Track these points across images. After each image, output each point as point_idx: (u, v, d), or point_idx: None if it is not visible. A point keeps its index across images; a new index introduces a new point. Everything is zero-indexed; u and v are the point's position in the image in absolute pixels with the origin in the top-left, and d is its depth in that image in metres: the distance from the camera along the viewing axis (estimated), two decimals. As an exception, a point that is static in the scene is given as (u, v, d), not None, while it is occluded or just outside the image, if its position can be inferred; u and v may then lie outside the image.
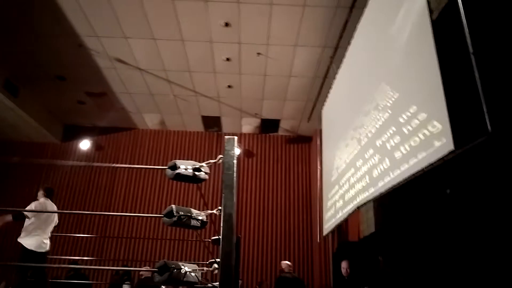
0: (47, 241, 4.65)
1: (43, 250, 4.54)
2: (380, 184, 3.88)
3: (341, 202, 5.49)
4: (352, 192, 4.90)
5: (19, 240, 4.51)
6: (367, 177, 4.35)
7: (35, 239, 4.49)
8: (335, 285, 5.16)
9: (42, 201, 4.76)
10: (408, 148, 3.27)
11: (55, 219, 4.86)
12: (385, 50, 4.26)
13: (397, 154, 3.50)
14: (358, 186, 4.64)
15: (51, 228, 4.75)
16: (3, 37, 6.52)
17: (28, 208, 4.63)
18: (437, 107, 2.86)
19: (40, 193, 4.84)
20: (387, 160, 3.76)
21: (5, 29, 6.31)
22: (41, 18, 6.04)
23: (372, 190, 4.13)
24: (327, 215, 6.59)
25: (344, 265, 4.83)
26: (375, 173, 4.07)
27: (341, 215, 5.43)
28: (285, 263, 6.18)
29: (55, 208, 5.05)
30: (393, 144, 3.61)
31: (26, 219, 4.51)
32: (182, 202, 9.22)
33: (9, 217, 4.46)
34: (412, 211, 4.43)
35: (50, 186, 5.10)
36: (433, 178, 3.59)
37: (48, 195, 4.86)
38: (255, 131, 9.84)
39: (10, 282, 7.63)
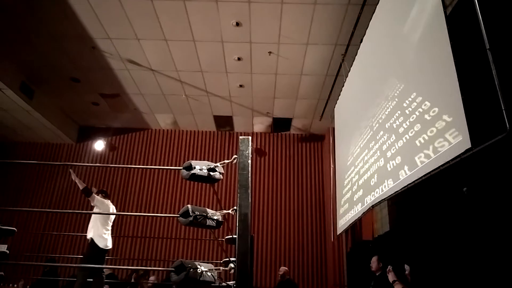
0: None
1: (109, 248, 4.81)
2: (389, 154, 4.06)
3: (356, 177, 5.65)
4: (366, 166, 5.11)
5: (91, 236, 4.68)
6: (378, 152, 4.57)
7: (105, 238, 4.73)
8: (363, 280, 5.13)
9: (108, 202, 5.00)
10: (431, 153, 3.22)
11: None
12: (398, 46, 4.21)
13: (419, 157, 3.45)
14: (371, 160, 4.84)
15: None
16: (18, 41, 6.65)
17: (99, 200, 4.84)
18: (453, 105, 2.82)
19: (98, 196, 4.98)
20: (406, 159, 3.71)
21: (20, 32, 6.43)
22: (54, 21, 6.14)
23: (382, 161, 4.31)
24: (343, 191, 6.66)
25: (374, 260, 4.80)
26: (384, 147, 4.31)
27: (356, 208, 5.43)
28: (286, 269, 6.91)
29: (114, 207, 5.28)
30: (417, 145, 3.56)
31: (98, 218, 4.74)
32: (194, 201, 9.28)
33: (81, 183, 4.73)
34: (428, 209, 4.37)
35: (103, 188, 5.33)
36: (450, 177, 3.53)
37: (106, 196, 5.09)
38: (267, 130, 9.83)
39: (27, 281, 7.81)
